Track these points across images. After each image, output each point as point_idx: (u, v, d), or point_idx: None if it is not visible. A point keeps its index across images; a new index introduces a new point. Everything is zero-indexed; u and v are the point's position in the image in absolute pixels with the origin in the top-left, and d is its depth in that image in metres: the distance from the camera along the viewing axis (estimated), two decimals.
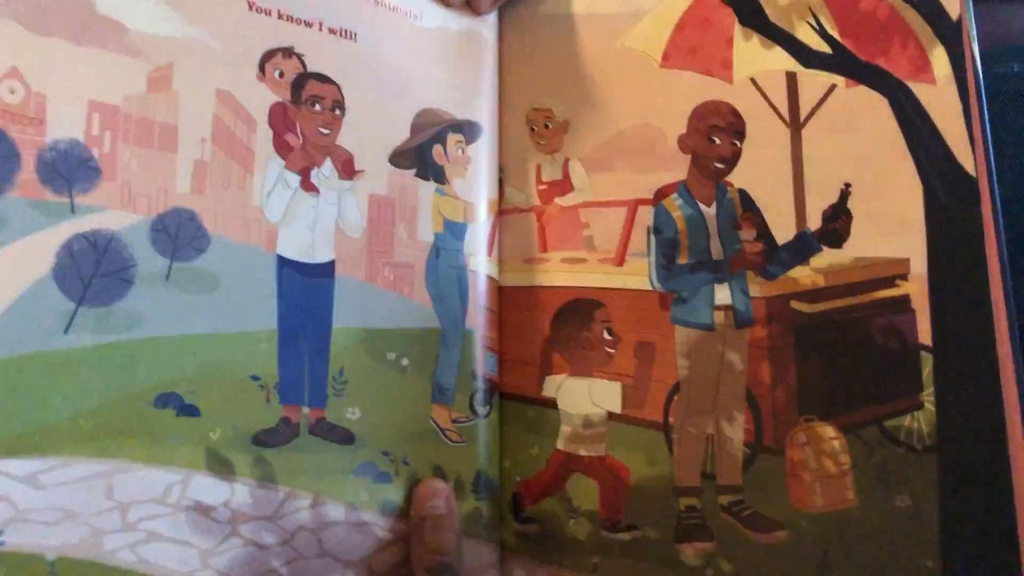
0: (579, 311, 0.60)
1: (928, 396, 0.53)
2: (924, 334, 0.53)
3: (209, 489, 0.49)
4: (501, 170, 0.63)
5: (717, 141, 0.57)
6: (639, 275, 0.59)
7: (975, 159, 0.52)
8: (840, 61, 0.56)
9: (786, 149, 0.56)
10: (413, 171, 0.58)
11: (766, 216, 0.56)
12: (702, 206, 0.58)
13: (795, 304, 0.56)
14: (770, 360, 0.56)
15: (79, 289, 0.47)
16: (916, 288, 0.53)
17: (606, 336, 0.59)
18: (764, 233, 0.56)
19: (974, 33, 0.54)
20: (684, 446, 0.57)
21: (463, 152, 0.60)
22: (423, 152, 0.59)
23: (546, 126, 0.62)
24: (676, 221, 0.58)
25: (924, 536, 0.51)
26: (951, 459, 0.52)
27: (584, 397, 0.59)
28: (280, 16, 0.54)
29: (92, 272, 0.47)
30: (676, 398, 0.58)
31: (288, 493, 0.51)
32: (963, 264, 0.52)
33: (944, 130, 0.53)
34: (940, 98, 0.53)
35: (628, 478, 0.58)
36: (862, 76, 0.55)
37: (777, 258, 0.56)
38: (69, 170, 0.47)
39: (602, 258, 0.60)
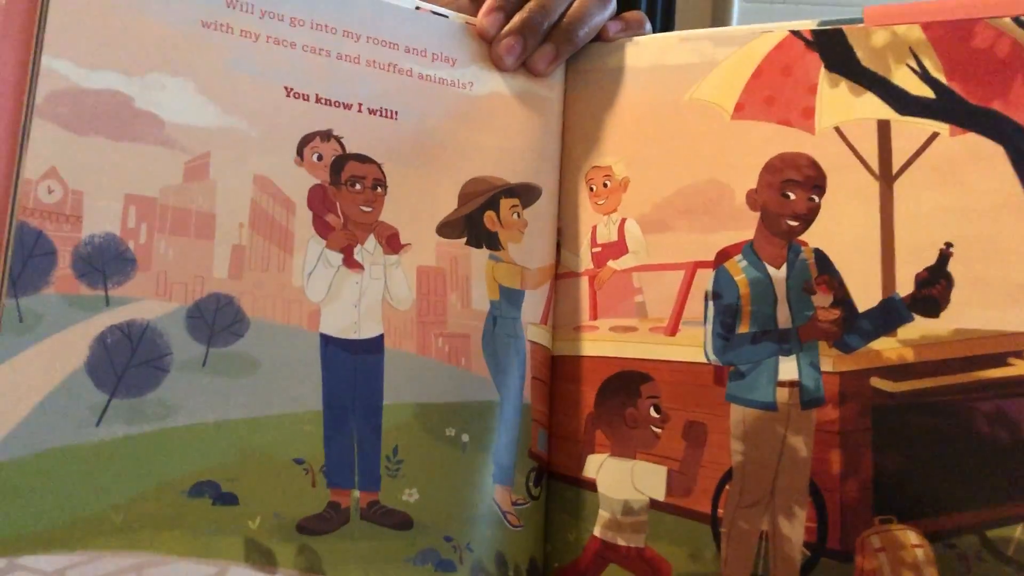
0: (624, 385, 0.52)
1: None
2: None
3: None
4: (559, 233, 0.57)
5: (792, 196, 0.49)
6: (693, 346, 0.50)
7: None
8: (945, 106, 0.46)
9: (874, 205, 0.47)
10: (463, 240, 0.53)
11: (846, 280, 0.47)
12: (770, 268, 0.49)
13: (876, 382, 0.45)
14: (842, 447, 0.46)
15: (112, 380, 0.43)
16: None
17: (652, 414, 0.50)
18: (842, 299, 0.47)
19: None
20: (734, 543, 0.47)
21: (518, 216, 0.54)
22: (473, 220, 0.53)
23: (605, 185, 0.55)
24: (738, 285, 0.49)
25: None
26: None
27: (626, 480, 0.50)
28: (318, 100, 0.50)
29: (126, 363, 0.44)
30: (727, 487, 0.48)
31: None
32: None
33: None
34: None
35: (668, 574, 0.48)
36: (972, 122, 0.45)
37: (857, 327, 0.46)
38: (104, 263, 0.44)
39: (653, 327, 0.52)
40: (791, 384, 0.47)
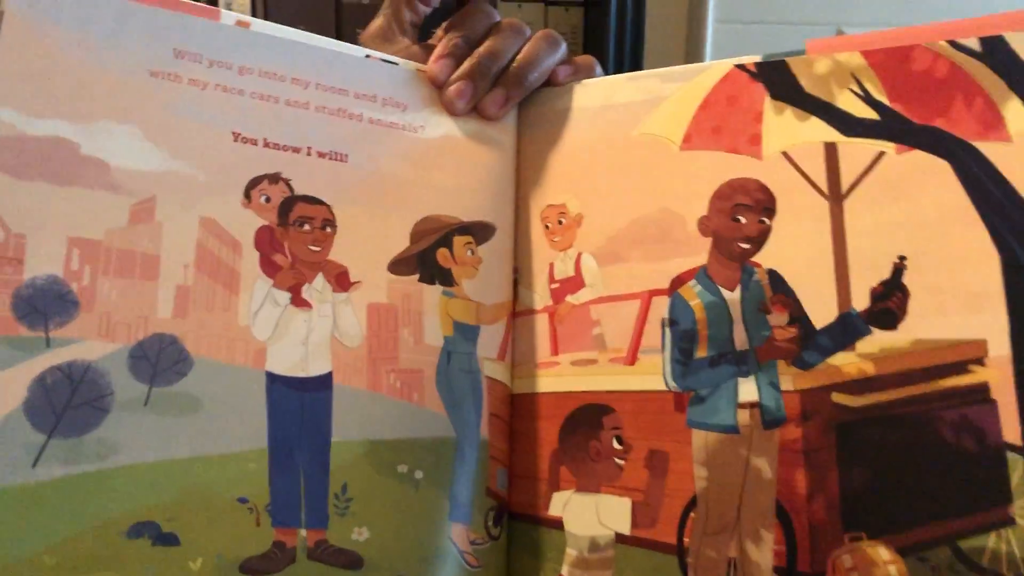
0: (587, 418, 0.50)
1: (1020, 509, 0.40)
2: (1011, 430, 0.41)
3: None
4: (516, 271, 0.56)
5: (742, 220, 0.48)
6: (653, 374, 0.49)
7: None
8: (889, 126, 0.46)
9: (825, 223, 0.46)
10: (416, 276, 0.52)
11: (801, 298, 0.46)
12: (724, 291, 0.48)
13: (837, 397, 0.44)
14: (806, 466, 0.44)
15: (51, 421, 0.42)
16: (997, 374, 0.41)
17: (615, 445, 0.49)
18: (798, 316, 0.46)
19: None
20: (702, 573, 0.45)
21: (472, 253, 0.54)
22: (426, 257, 0.53)
23: (560, 222, 0.55)
24: (694, 310, 0.49)
25: None
26: None
27: (591, 515, 0.49)
28: (266, 144, 0.51)
29: (65, 403, 0.43)
30: (692, 515, 0.46)
31: None
32: None
33: (1018, 180, 0.42)
34: (1018, 155, 0.43)
35: None
36: (917, 140, 0.45)
37: (815, 344, 0.45)
38: (45, 305, 0.44)
39: (613, 358, 0.51)
40: (751, 405, 0.46)
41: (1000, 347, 0.41)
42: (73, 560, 0.41)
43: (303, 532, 0.46)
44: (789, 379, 0.46)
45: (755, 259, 0.48)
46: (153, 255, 0.47)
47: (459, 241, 0.54)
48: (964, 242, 0.43)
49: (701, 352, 0.48)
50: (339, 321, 0.50)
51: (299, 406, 0.47)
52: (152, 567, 0.42)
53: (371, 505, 0.47)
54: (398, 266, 0.52)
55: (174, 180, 0.48)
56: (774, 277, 0.47)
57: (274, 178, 0.50)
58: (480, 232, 0.55)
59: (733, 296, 0.48)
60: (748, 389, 0.46)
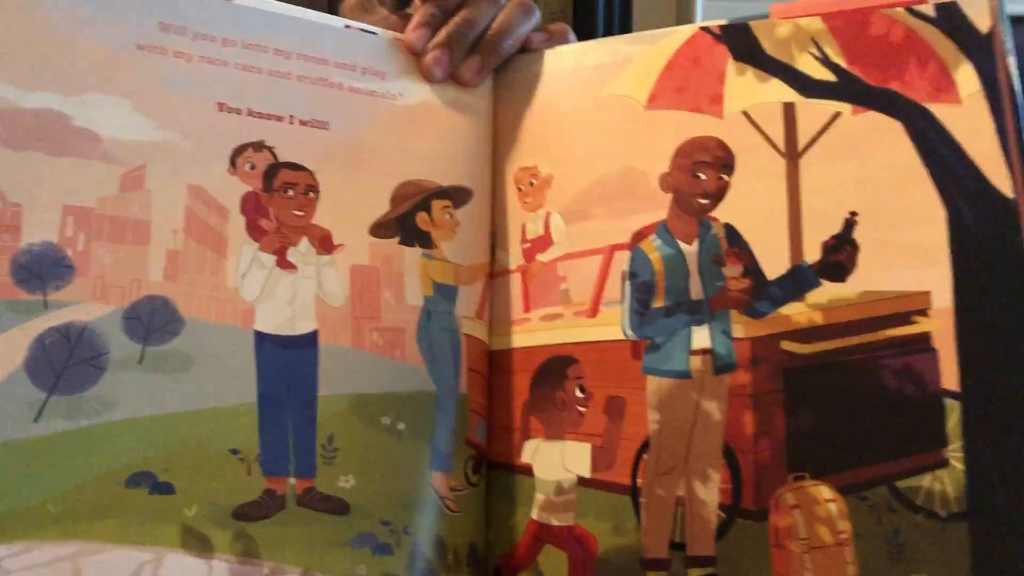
0: (553, 370, 0.53)
1: (955, 451, 0.43)
2: (949, 378, 0.43)
3: (184, 567, 0.45)
4: (493, 234, 0.59)
5: (702, 176, 0.50)
6: (612, 325, 0.51)
7: (1013, 178, 0.43)
8: (846, 88, 0.48)
9: (781, 180, 0.48)
10: (396, 239, 0.55)
11: (756, 251, 0.48)
12: (682, 244, 0.50)
13: (786, 345, 0.47)
14: (754, 409, 0.47)
15: (51, 379, 0.45)
16: (939, 324, 0.44)
17: (578, 394, 0.52)
18: (752, 269, 0.48)
19: (1010, 45, 0.46)
20: (652, 511, 0.48)
21: (450, 216, 0.56)
22: (406, 221, 0.55)
23: (531, 184, 0.57)
24: (653, 263, 0.51)
25: None
26: (985, 529, 0.41)
27: (557, 461, 0.51)
28: (250, 113, 0.53)
29: (64, 362, 0.45)
30: (645, 456, 0.49)
31: (273, 568, 0.46)
32: (1001, 294, 0.43)
33: (973, 151, 0.44)
34: (967, 117, 0.45)
35: (596, 550, 0.49)
36: (871, 102, 0.47)
37: (767, 294, 0.47)
38: (42, 270, 0.46)
39: (577, 311, 0.53)
40: (704, 352, 0.48)
41: (943, 299, 0.44)
42: (75, 509, 0.43)
43: (292, 480, 0.48)
44: (741, 327, 0.48)
45: (713, 214, 0.50)
46: (144, 221, 0.49)
47: (437, 205, 0.56)
48: (913, 199, 0.45)
49: (658, 303, 0.50)
50: (323, 282, 0.52)
51: (286, 363, 0.50)
52: (149, 514, 0.45)
53: (356, 455, 0.50)
54: (379, 229, 0.54)
55: (163, 149, 0.50)
56: (730, 231, 0.49)
57: (258, 146, 0.52)
58: (458, 196, 0.57)
59: (691, 249, 0.50)
60: (701, 337, 0.49)
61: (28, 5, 0.48)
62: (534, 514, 0.52)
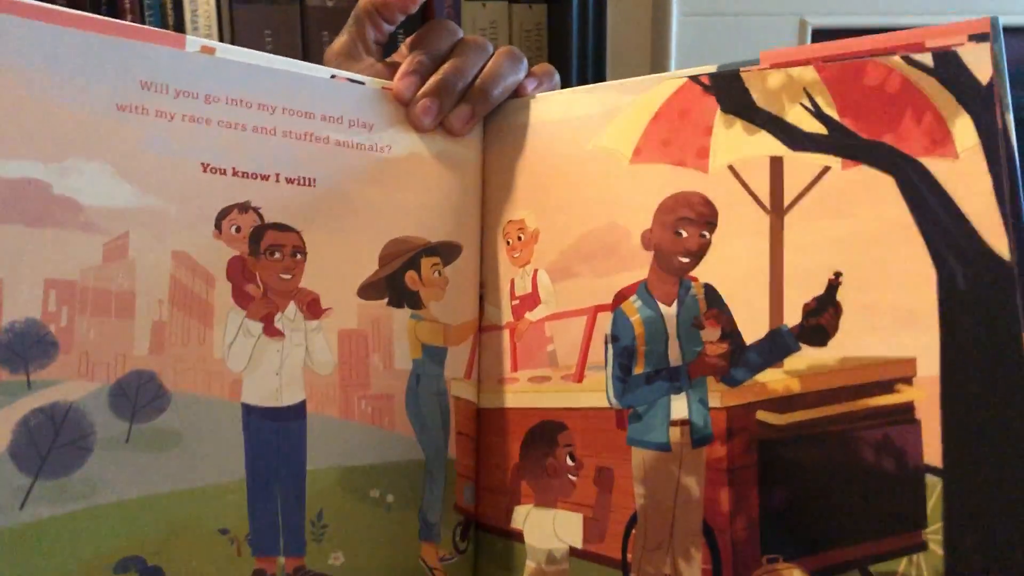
0: (544, 435, 0.53)
1: (934, 533, 0.41)
2: (932, 452, 0.41)
3: None
4: (482, 287, 0.59)
5: (684, 234, 0.49)
6: (598, 391, 0.51)
7: (1009, 239, 0.41)
8: (837, 141, 0.46)
9: (764, 237, 0.47)
10: (385, 300, 0.54)
11: (736, 313, 0.47)
12: (662, 306, 0.49)
13: (762, 415, 0.45)
14: (730, 484, 0.46)
15: (36, 463, 0.45)
16: (923, 394, 0.42)
17: (568, 462, 0.52)
18: (731, 332, 0.47)
19: (1008, 100, 0.43)
20: None
21: (439, 274, 0.56)
22: (394, 281, 0.55)
23: (519, 238, 0.57)
24: (634, 325, 0.50)
25: None
26: None
27: (548, 529, 0.52)
28: (235, 173, 0.52)
29: (49, 444, 0.45)
30: (634, 531, 0.48)
31: None
32: (990, 363, 0.40)
33: (967, 208, 0.42)
34: (963, 172, 0.43)
35: None
36: (863, 155, 0.45)
37: (744, 360, 0.46)
38: (25, 349, 0.46)
39: (564, 375, 0.53)
40: (682, 423, 0.48)
41: (929, 367, 0.42)
42: None
43: (282, 560, 0.49)
44: (717, 396, 0.47)
45: (693, 273, 0.49)
46: (128, 292, 0.48)
47: (426, 263, 0.56)
48: (902, 259, 0.43)
49: (639, 368, 0.50)
50: (312, 349, 0.52)
51: (275, 436, 0.50)
52: None
53: (345, 530, 0.50)
54: (367, 290, 0.54)
55: (146, 215, 0.49)
56: (709, 292, 0.48)
57: (244, 207, 0.52)
58: (447, 252, 0.57)
59: (670, 311, 0.49)
60: (680, 406, 0.48)
61: (3, 70, 0.47)
62: None
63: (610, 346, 0.51)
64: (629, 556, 0.49)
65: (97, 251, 0.48)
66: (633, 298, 0.51)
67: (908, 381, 0.43)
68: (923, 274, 0.43)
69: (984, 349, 0.41)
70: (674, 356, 0.49)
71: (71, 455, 0.46)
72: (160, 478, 0.47)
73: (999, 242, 0.41)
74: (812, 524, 0.43)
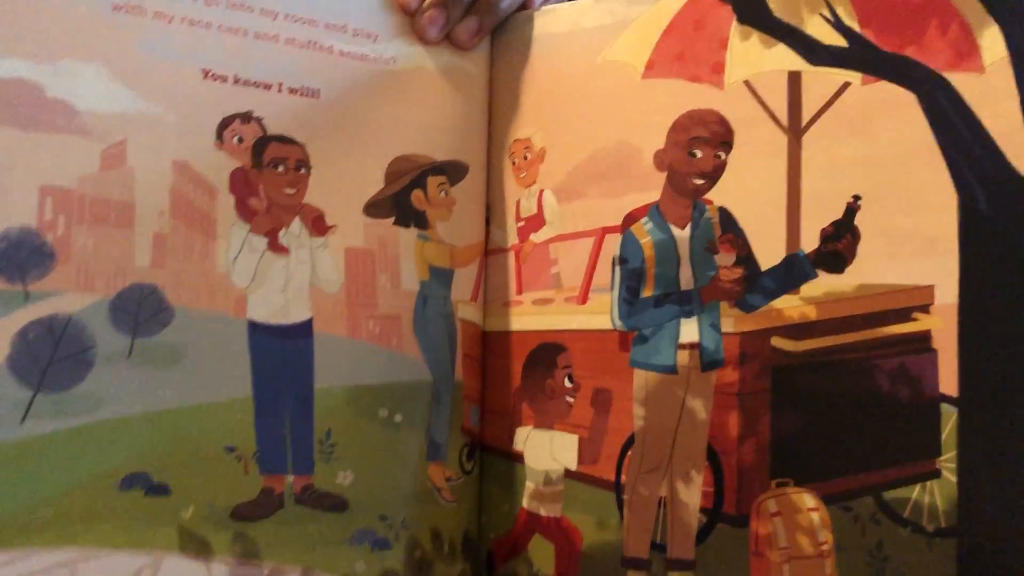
0: (544, 357, 0.53)
1: (948, 462, 0.40)
2: (948, 382, 0.40)
3: (183, 571, 0.45)
4: (489, 210, 0.58)
5: (698, 154, 0.47)
6: (602, 313, 0.50)
7: None
8: (857, 55, 0.44)
9: (781, 159, 0.45)
10: (391, 219, 0.53)
11: (751, 238, 0.46)
12: (674, 229, 0.48)
13: (776, 341, 0.44)
14: (740, 409, 0.45)
15: (36, 376, 0.43)
16: (941, 322, 0.41)
17: (566, 384, 0.51)
18: (746, 257, 0.46)
19: None
20: (635, 510, 0.48)
21: (446, 194, 0.55)
22: (400, 199, 0.54)
23: (525, 157, 0.56)
24: (643, 248, 0.49)
25: None
26: (975, 546, 0.39)
27: (546, 451, 0.52)
28: (236, 81, 0.50)
29: (49, 357, 0.44)
30: (630, 453, 0.48)
31: (273, 568, 0.47)
32: (1011, 289, 0.39)
33: (993, 126, 0.40)
34: (989, 88, 0.40)
35: (580, 543, 0.50)
36: (884, 70, 0.43)
37: (759, 286, 0.45)
38: (21, 258, 0.44)
39: (568, 296, 0.52)
40: (691, 346, 0.47)
41: (948, 294, 0.41)
42: (68, 513, 0.43)
43: (290, 478, 0.48)
44: (731, 321, 0.46)
45: (708, 196, 0.48)
46: (127, 202, 0.47)
47: (433, 182, 0.55)
48: (922, 182, 0.42)
49: (648, 291, 0.49)
50: (318, 267, 0.51)
51: (282, 354, 0.49)
52: (145, 517, 0.44)
53: (354, 450, 0.50)
54: (373, 208, 0.53)
55: (144, 122, 0.48)
56: (724, 215, 0.47)
57: (246, 117, 0.50)
58: (453, 172, 0.56)
59: (683, 234, 0.48)
60: (690, 330, 0.47)
61: None
62: (524, 503, 0.53)
63: (618, 268, 0.50)
64: (623, 478, 0.49)
65: (94, 158, 0.46)
66: (644, 220, 0.49)
67: (926, 309, 0.42)
68: (944, 198, 0.41)
69: (1005, 275, 0.40)
70: (685, 280, 0.48)
71: (72, 369, 0.44)
72: (164, 394, 0.46)
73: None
74: (825, 450, 0.43)
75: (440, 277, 0.54)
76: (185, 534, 0.45)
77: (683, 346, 0.47)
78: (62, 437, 0.43)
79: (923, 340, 0.42)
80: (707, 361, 0.47)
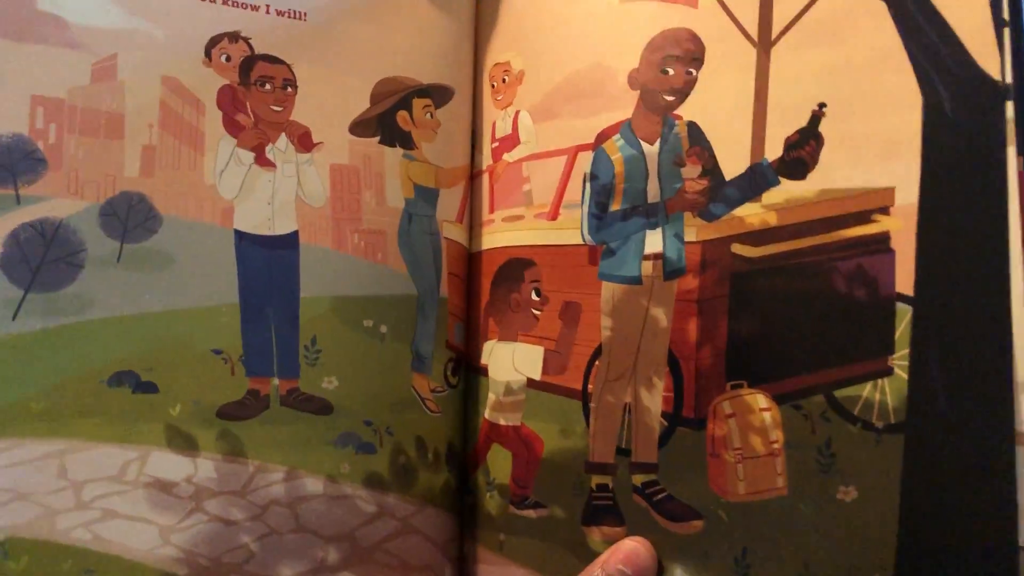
0: (511, 272, 0.54)
1: (900, 360, 0.40)
2: (904, 281, 0.40)
3: (170, 465, 0.46)
4: (475, 134, 0.59)
5: (670, 72, 0.48)
6: (572, 228, 0.51)
7: (1003, 59, 0.39)
8: None
9: (749, 72, 0.45)
10: (376, 139, 0.55)
11: (718, 150, 0.46)
12: (644, 145, 0.49)
13: (736, 248, 0.45)
14: (699, 315, 0.46)
15: (27, 276, 0.45)
16: (900, 223, 0.41)
17: (533, 297, 0.52)
18: (711, 169, 0.46)
19: None
20: (601, 416, 0.49)
21: (431, 116, 0.56)
22: (386, 119, 0.55)
23: (503, 80, 0.57)
24: (615, 164, 0.49)
25: (873, 540, 0.40)
26: (921, 442, 0.39)
27: (508, 363, 0.53)
28: (224, 2, 0.52)
29: (40, 259, 0.45)
30: (597, 363, 0.49)
31: (258, 467, 0.48)
32: (971, 191, 0.39)
33: (961, 26, 0.40)
34: None
35: (540, 450, 0.51)
36: None
37: (722, 195, 0.46)
38: (13, 163, 0.46)
39: (538, 213, 0.53)
40: (656, 257, 0.48)
41: (908, 195, 0.41)
42: (58, 407, 0.44)
43: (276, 381, 0.49)
44: (693, 231, 0.47)
45: (678, 112, 0.48)
46: (117, 114, 0.48)
47: (418, 104, 0.56)
48: (889, 87, 0.41)
49: (616, 206, 0.49)
50: (303, 181, 0.52)
51: (268, 263, 0.50)
52: (133, 412, 0.46)
53: (339, 356, 0.51)
54: (359, 127, 0.54)
55: (134, 37, 0.49)
56: (693, 129, 0.47)
57: (233, 37, 0.51)
58: (439, 95, 0.57)
59: (652, 150, 0.49)
60: (654, 241, 0.48)
61: None
62: (486, 413, 0.54)
63: (588, 184, 0.51)
64: (590, 387, 0.50)
65: (85, 70, 0.48)
66: (616, 137, 0.50)
67: (886, 211, 0.42)
68: (908, 100, 0.41)
69: (966, 176, 0.40)
70: (653, 193, 0.49)
71: (62, 271, 0.46)
72: (152, 297, 0.47)
73: (991, 63, 0.39)
74: (778, 352, 0.43)
75: (425, 196, 0.55)
76: (172, 430, 0.46)
77: (648, 257, 0.48)
78: (52, 334, 0.45)
79: (881, 241, 0.42)
80: (670, 270, 0.47)
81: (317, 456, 0.49)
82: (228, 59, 0.51)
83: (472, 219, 0.58)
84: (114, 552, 0.44)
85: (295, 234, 0.51)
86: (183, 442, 0.46)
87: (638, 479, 0.47)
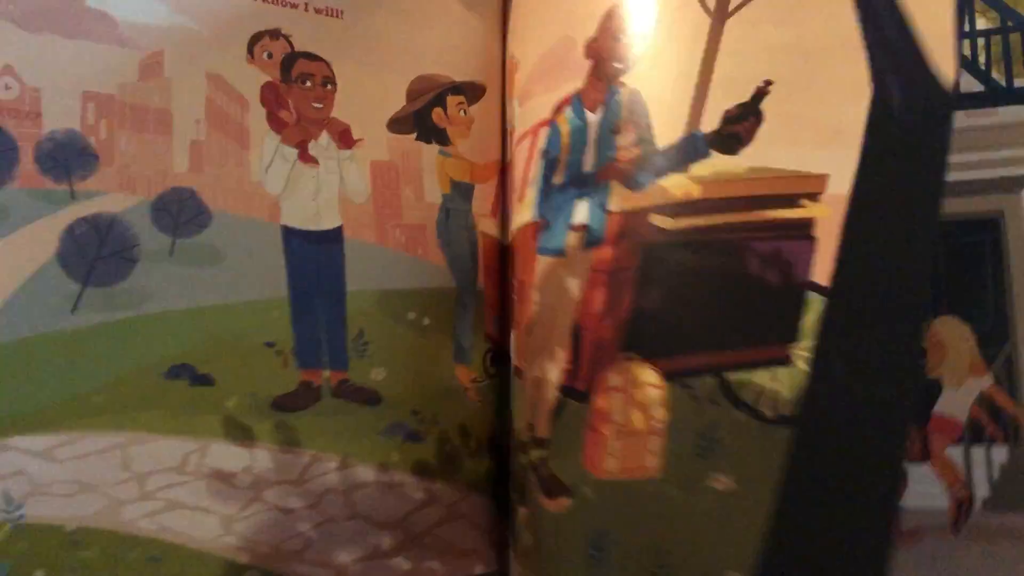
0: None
1: (802, 350, 0.40)
2: (821, 271, 0.40)
3: (228, 456, 0.47)
4: (504, 129, 0.60)
5: (622, 39, 0.46)
6: (531, 207, 0.50)
7: (957, 59, 0.39)
8: None
9: (700, 42, 0.44)
10: (413, 135, 0.56)
11: (655, 119, 0.44)
12: (588, 114, 0.48)
13: (655, 219, 0.43)
14: (607, 286, 0.45)
15: (84, 270, 0.46)
16: (827, 212, 0.40)
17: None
18: (645, 138, 0.45)
19: None
20: (528, 391, 0.49)
21: (465, 113, 0.58)
22: (422, 117, 0.56)
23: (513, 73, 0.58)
24: (562, 136, 0.49)
25: (738, 535, 0.39)
26: (814, 440, 0.38)
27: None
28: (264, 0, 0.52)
29: (95, 253, 0.46)
30: (528, 338, 0.49)
31: (314, 456, 0.49)
32: (906, 191, 0.39)
33: (922, 25, 0.40)
34: None
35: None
36: None
37: (649, 164, 0.44)
38: (67, 158, 0.46)
39: (518, 196, 0.53)
40: (580, 228, 0.47)
41: (840, 185, 0.40)
42: (119, 400, 0.45)
43: (327, 373, 0.51)
44: (618, 200, 0.45)
45: (624, 79, 0.47)
46: (165, 110, 0.49)
47: (452, 101, 0.57)
48: (839, 74, 0.41)
49: (558, 178, 0.49)
50: (346, 178, 0.53)
51: (315, 257, 0.51)
52: (191, 405, 0.46)
53: (386, 348, 0.52)
54: (396, 124, 0.55)
55: (179, 35, 0.50)
56: (633, 97, 0.46)
57: (275, 34, 0.52)
58: (471, 92, 0.58)
59: (595, 118, 0.47)
60: (582, 211, 0.47)
61: None
62: None
63: (542, 160, 0.50)
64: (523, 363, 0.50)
65: (133, 67, 0.48)
66: (567, 108, 0.49)
67: (814, 198, 0.41)
68: (857, 91, 0.40)
69: (903, 176, 0.40)
70: (589, 163, 0.47)
71: (117, 265, 0.46)
72: (205, 291, 0.48)
73: (946, 65, 0.40)
74: (675, 328, 0.42)
75: (461, 191, 0.57)
76: (229, 422, 0.47)
77: (575, 228, 0.47)
78: (110, 328, 0.46)
79: (804, 228, 0.41)
80: (589, 240, 0.46)
81: (368, 445, 0.51)
82: (270, 56, 0.52)
83: (504, 212, 0.59)
84: (179, 541, 0.45)
85: (339, 229, 0.52)
86: (240, 433, 0.47)
87: (535, 455, 0.47)
